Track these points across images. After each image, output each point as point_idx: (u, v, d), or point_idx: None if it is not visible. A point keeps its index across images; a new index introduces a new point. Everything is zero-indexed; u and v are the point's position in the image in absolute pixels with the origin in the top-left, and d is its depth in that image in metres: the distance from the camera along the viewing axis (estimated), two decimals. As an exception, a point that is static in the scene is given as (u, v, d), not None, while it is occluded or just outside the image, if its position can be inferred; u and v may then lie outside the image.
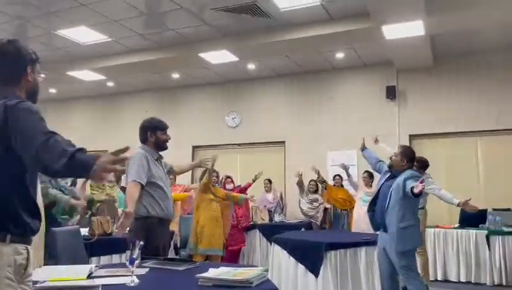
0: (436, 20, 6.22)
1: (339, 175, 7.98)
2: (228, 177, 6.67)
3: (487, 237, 6.00)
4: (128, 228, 3.29)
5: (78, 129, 11.43)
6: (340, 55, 8.30)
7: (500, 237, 5.96)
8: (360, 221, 7.03)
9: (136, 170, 3.22)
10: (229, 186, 6.58)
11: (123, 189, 7.95)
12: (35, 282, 1.79)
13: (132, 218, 3.07)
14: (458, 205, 4.54)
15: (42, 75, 1.90)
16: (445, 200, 4.64)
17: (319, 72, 9.19)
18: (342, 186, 7.88)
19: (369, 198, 7.03)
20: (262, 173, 7.33)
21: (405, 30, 6.43)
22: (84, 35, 7.42)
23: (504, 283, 5.82)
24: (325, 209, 7.57)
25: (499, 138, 7.89)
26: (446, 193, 4.71)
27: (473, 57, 8.01)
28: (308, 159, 8.99)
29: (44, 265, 2.33)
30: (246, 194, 6.97)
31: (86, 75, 9.09)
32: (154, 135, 3.43)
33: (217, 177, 5.68)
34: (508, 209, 6.73)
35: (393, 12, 5.92)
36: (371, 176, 7.11)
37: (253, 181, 7.39)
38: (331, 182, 8.12)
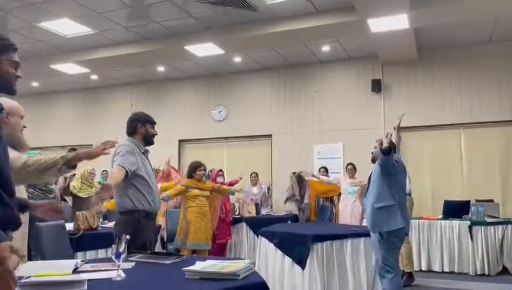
0: (420, 14, 6.27)
1: (324, 168, 8.09)
2: (220, 170, 6.78)
3: (470, 228, 6.10)
4: (114, 222, 3.27)
5: (61, 123, 11.30)
6: (325, 48, 8.32)
7: (482, 227, 6.07)
8: (346, 212, 7.12)
9: (122, 157, 3.20)
10: (220, 179, 6.65)
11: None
12: (20, 278, 1.77)
13: (111, 191, 2.96)
14: None
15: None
16: None
17: (305, 65, 9.20)
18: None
19: (355, 188, 7.18)
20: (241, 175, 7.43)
21: (390, 23, 6.48)
22: (67, 27, 7.30)
23: (486, 272, 5.94)
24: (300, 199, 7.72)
25: (482, 131, 8.01)
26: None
27: (457, 50, 8.11)
28: (294, 153, 9.05)
29: (28, 261, 2.31)
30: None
31: (70, 68, 8.95)
32: (144, 127, 3.43)
33: (204, 170, 5.67)
34: (490, 201, 6.86)
35: (378, 6, 5.94)
36: (355, 167, 7.30)
37: (240, 179, 7.49)
38: (316, 174, 8.21)
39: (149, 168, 3.38)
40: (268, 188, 8.52)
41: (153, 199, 3.30)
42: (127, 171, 3.14)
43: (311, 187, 7.86)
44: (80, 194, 5.16)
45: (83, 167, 5.49)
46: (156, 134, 3.51)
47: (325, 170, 8.05)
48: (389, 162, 3.66)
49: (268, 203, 8.30)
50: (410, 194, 5.57)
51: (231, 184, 7.25)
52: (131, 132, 3.44)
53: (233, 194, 6.28)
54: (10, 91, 1.79)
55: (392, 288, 3.70)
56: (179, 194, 5.53)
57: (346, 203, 7.20)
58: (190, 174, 5.58)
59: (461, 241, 6.16)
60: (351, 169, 7.33)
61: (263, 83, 9.63)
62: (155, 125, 3.55)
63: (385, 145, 3.53)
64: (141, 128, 3.42)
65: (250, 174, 8.39)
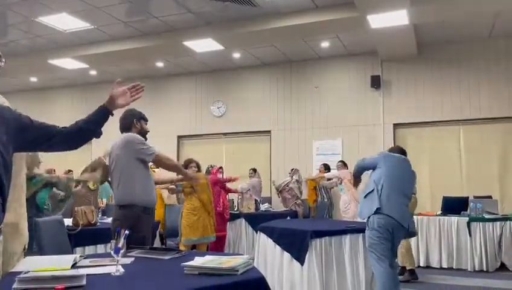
0: (420, 10, 6.26)
1: (324, 164, 8.07)
2: (220, 167, 6.82)
3: (468, 224, 6.11)
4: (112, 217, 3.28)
5: (59, 119, 11.23)
6: (325, 44, 8.31)
7: (480, 223, 6.08)
8: (347, 208, 7.11)
9: (148, 145, 3.30)
10: (220, 176, 6.71)
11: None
12: (18, 273, 1.77)
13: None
14: None
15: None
16: None
17: (304, 61, 9.19)
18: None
19: (342, 185, 7.18)
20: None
21: (389, 19, 6.47)
22: (65, 22, 7.27)
23: (484, 268, 5.95)
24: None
25: (481, 127, 8.02)
26: None
27: (456, 47, 8.10)
28: (293, 149, 9.05)
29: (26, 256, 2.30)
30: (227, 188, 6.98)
31: (68, 63, 8.93)
32: (139, 123, 3.43)
33: (197, 167, 5.67)
34: (489, 197, 6.88)
35: (377, 2, 5.93)
36: (344, 164, 7.31)
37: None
38: (315, 171, 8.23)
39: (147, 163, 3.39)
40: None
41: (150, 194, 3.30)
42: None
43: (310, 183, 7.86)
44: (90, 186, 5.22)
45: (83, 164, 5.51)
46: (149, 131, 3.53)
47: (324, 168, 8.03)
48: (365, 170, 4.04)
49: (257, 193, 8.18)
50: (414, 193, 5.53)
51: (229, 191, 7.13)
52: (126, 127, 3.43)
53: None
54: None
55: (380, 277, 3.69)
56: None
57: (344, 200, 7.22)
58: None
59: (460, 238, 6.17)
60: (340, 166, 7.36)
61: (262, 79, 9.62)
62: (152, 120, 3.57)
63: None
64: (137, 124, 3.43)
65: (248, 171, 8.37)
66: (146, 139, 3.51)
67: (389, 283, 3.65)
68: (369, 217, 3.76)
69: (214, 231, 5.69)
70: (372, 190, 3.80)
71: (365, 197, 3.85)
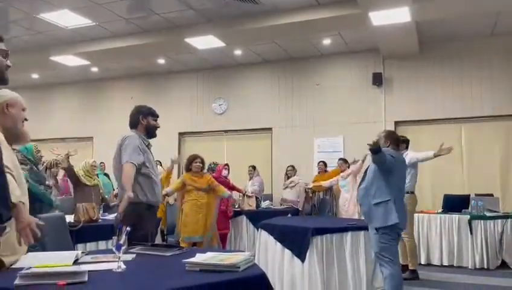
0: (422, 7, 6.24)
1: (322, 162, 8.09)
2: (226, 164, 6.82)
3: (469, 222, 6.10)
4: (115, 214, 3.28)
5: (61, 116, 11.28)
6: (327, 41, 8.30)
7: (482, 221, 6.07)
8: (346, 207, 7.11)
9: (130, 152, 3.21)
10: (224, 172, 6.71)
11: (106, 175, 7.90)
12: (20, 269, 1.77)
13: (129, 195, 3.10)
14: (434, 156, 5.07)
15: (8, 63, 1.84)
16: (424, 159, 5.25)
17: (306, 58, 9.18)
18: (326, 171, 7.97)
19: (347, 180, 7.17)
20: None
21: (391, 16, 6.46)
22: (67, 19, 7.28)
23: (485, 266, 5.95)
24: (306, 191, 7.67)
25: (482, 125, 8.01)
26: (421, 153, 5.31)
27: (458, 44, 8.08)
28: (294, 146, 9.04)
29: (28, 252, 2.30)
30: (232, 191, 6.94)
31: (70, 60, 8.92)
32: (145, 119, 3.43)
33: (202, 163, 5.66)
34: (490, 195, 6.87)
35: (380, -1, 5.92)
36: (345, 161, 7.32)
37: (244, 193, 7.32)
38: (315, 168, 8.23)
39: (152, 160, 3.39)
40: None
41: (155, 192, 3.31)
42: (136, 165, 3.18)
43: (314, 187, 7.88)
44: (85, 182, 5.17)
45: (83, 159, 5.52)
46: (159, 126, 3.51)
47: (323, 164, 8.05)
48: (380, 160, 3.67)
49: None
50: (413, 192, 5.52)
51: (233, 188, 7.10)
52: (133, 124, 3.44)
53: (226, 196, 6.11)
54: (1, 80, 1.77)
55: (391, 279, 3.70)
56: (178, 189, 5.58)
57: (345, 198, 7.22)
58: (188, 168, 5.63)
59: (461, 235, 6.16)
60: (341, 163, 7.37)
61: (264, 76, 9.61)
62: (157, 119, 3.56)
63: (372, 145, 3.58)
64: (143, 120, 3.43)
65: (248, 168, 8.37)
66: (155, 135, 3.50)
67: (397, 283, 3.68)
68: (382, 227, 3.67)
69: (210, 231, 5.65)
70: (388, 200, 3.67)
71: (376, 204, 3.71)
